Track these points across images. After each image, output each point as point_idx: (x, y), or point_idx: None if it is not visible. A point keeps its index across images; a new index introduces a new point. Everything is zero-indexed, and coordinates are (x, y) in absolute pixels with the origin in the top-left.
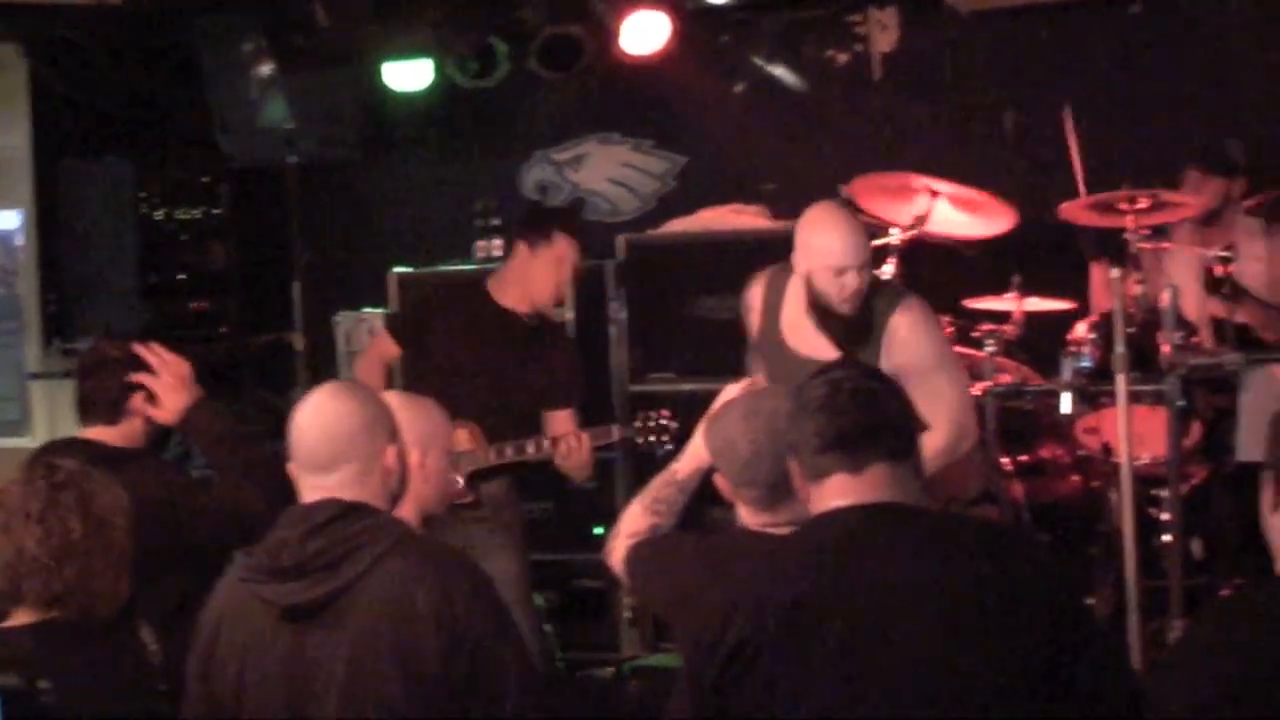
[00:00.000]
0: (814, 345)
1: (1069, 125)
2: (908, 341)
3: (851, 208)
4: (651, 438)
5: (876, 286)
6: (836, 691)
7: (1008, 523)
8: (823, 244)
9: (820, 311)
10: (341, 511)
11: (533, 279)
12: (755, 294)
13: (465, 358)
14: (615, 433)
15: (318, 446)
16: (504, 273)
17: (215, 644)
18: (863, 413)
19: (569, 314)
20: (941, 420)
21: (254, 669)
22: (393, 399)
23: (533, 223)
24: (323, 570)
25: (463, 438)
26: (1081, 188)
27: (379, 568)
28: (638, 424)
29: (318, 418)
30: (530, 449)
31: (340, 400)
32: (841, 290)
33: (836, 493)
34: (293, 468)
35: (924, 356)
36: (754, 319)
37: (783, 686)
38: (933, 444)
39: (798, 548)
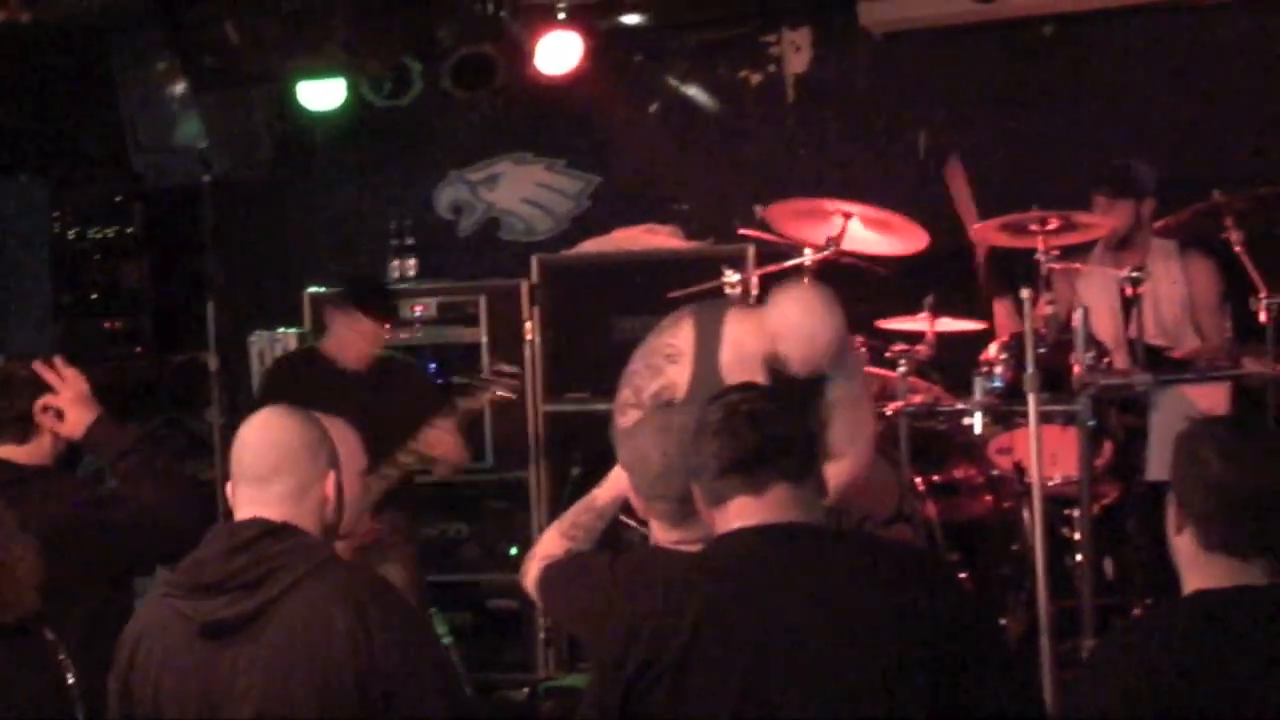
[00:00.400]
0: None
1: (955, 172)
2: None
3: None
4: (499, 391)
5: None
6: (738, 714)
7: (911, 544)
8: (795, 347)
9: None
10: (267, 531)
11: (346, 345)
12: (683, 339)
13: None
14: (459, 402)
15: (260, 457)
16: (329, 337)
17: (135, 659)
18: (760, 434)
19: (483, 336)
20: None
21: (171, 684)
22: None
23: (341, 298)
24: (243, 588)
25: None
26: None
27: (299, 589)
28: (478, 383)
29: (263, 430)
30: (401, 457)
31: (288, 417)
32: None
33: (738, 515)
34: (230, 486)
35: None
36: (682, 368)
37: (685, 709)
38: (838, 475)
39: (700, 570)
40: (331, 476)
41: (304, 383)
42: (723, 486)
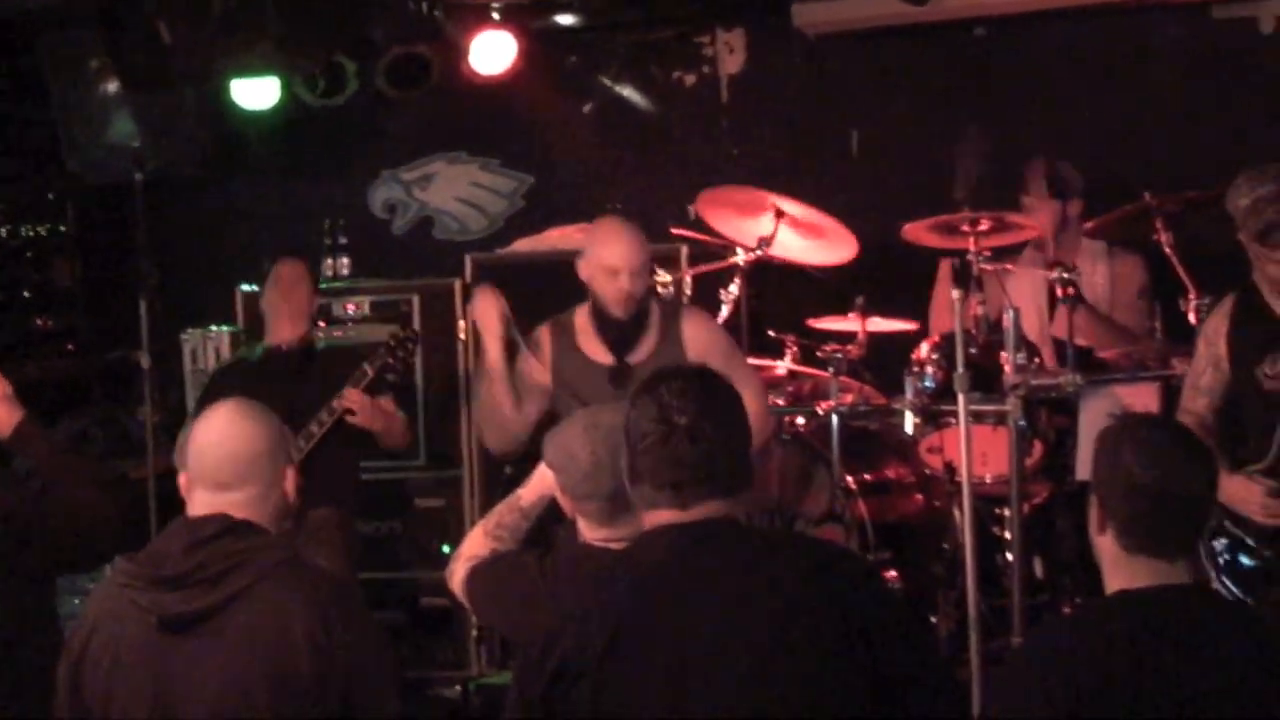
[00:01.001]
0: (600, 351)
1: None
2: (703, 341)
3: (630, 222)
4: (401, 354)
5: (659, 301)
6: (659, 711)
7: (834, 542)
8: (601, 249)
9: (598, 315)
10: (228, 528)
11: (271, 305)
12: (542, 333)
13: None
14: (367, 367)
15: (222, 464)
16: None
17: (87, 649)
18: (696, 458)
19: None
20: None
21: (124, 676)
22: None
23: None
24: (203, 584)
25: None
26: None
27: (258, 587)
28: (385, 349)
29: (225, 438)
30: (324, 416)
31: (249, 422)
32: (617, 292)
33: (666, 515)
34: (185, 479)
35: (720, 354)
36: (544, 351)
37: (605, 708)
38: None
39: (622, 568)
40: (290, 473)
41: (244, 368)
42: (656, 497)
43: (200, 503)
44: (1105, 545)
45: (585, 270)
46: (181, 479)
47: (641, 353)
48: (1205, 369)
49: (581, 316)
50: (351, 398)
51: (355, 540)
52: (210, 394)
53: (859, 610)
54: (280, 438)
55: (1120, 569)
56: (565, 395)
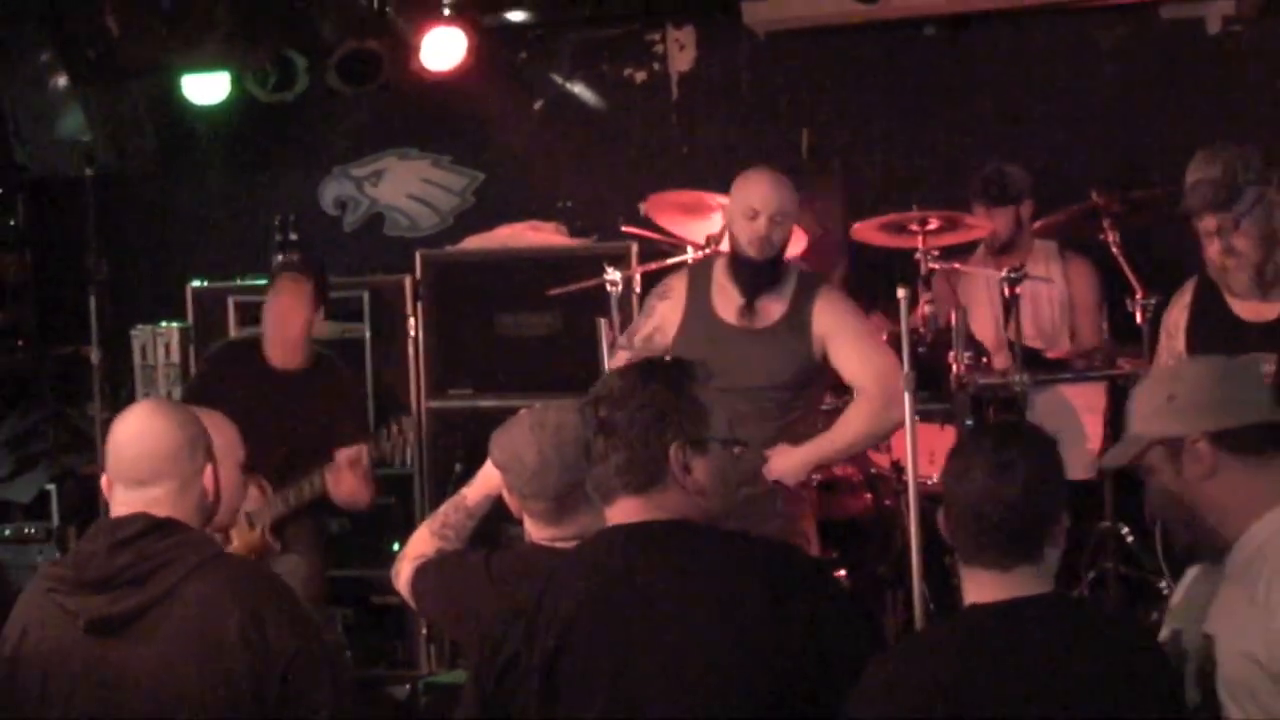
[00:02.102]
0: (734, 310)
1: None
2: (828, 323)
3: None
4: (393, 447)
5: (803, 271)
6: (607, 710)
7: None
8: (744, 191)
9: (734, 261)
10: (151, 526)
11: (267, 327)
12: (676, 281)
13: (248, 422)
14: (362, 453)
15: (139, 461)
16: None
17: (19, 653)
18: (601, 451)
19: (367, 331)
20: (871, 385)
21: (58, 680)
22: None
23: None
24: (128, 585)
25: (254, 496)
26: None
27: (186, 585)
28: (383, 438)
29: (140, 434)
30: (307, 490)
31: (163, 417)
32: (753, 233)
33: (622, 514)
34: (106, 479)
35: (847, 335)
36: (672, 303)
37: (554, 707)
38: (865, 407)
39: (576, 562)
40: (209, 470)
41: (243, 378)
42: (610, 490)
43: (120, 501)
44: (958, 557)
45: (727, 215)
46: (104, 480)
47: (773, 314)
48: (1167, 362)
49: (720, 269)
50: (346, 488)
51: (326, 541)
52: (208, 382)
53: (811, 611)
54: (198, 433)
55: (967, 580)
56: (694, 353)
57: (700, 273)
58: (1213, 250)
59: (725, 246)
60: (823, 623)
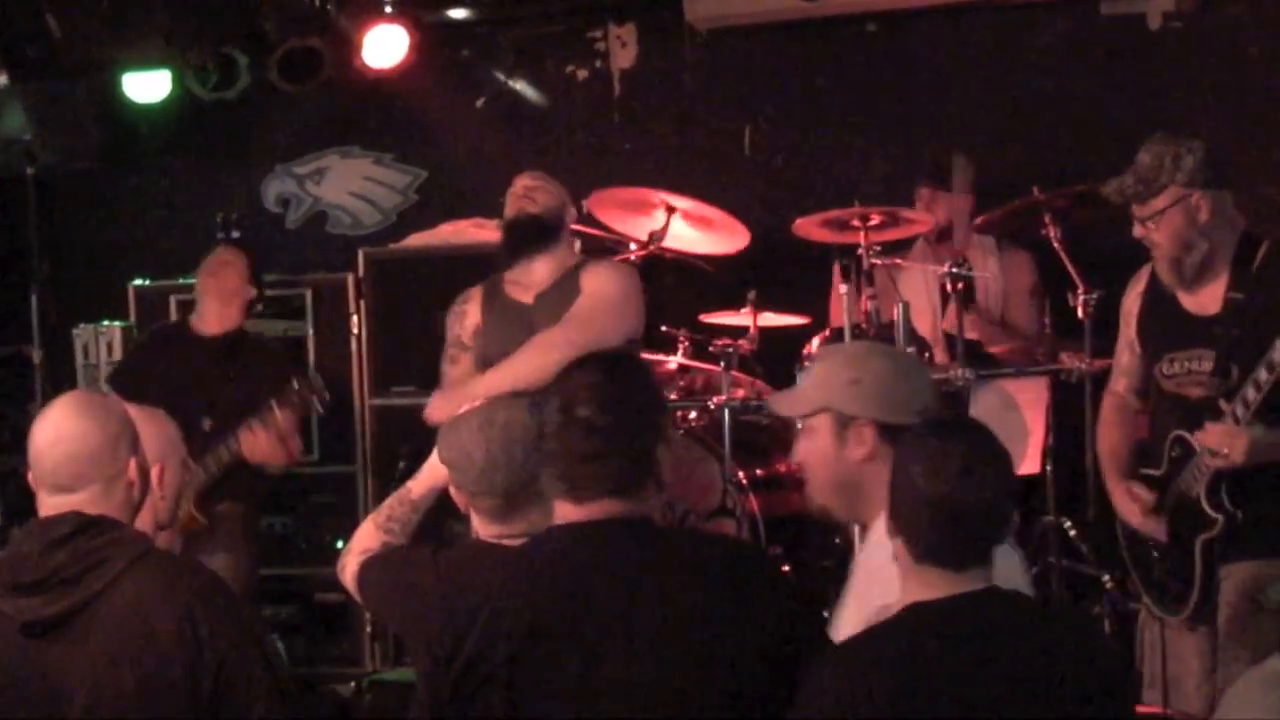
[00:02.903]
0: (529, 289)
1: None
2: (595, 278)
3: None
4: (310, 397)
5: (590, 258)
6: (571, 706)
7: (738, 539)
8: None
9: (504, 227)
10: (83, 525)
11: (200, 292)
12: (471, 296)
13: (174, 394)
14: (274, 405)
15: (59, 467)
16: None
17: None
18: (589, 453)
19: (309, 329)
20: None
21: None
22: (131, 412)
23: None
24: (62, 585)
25: None
26: None
27: (121, 583)
28: (290, 392)
29: (60, 439)
30: (225, 454)
31: (83, 418)
32: (513, 197)
33: (565, 513)
34: (32, 479)
35: (602, 287)
36: (472, 306)
37: (517, 706)
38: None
39: (532, 561)
40: (133, 463)
41: (168, 352)
42: (555, 486)
43: (47, 504)
44: (899, 552)
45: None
46: (31, 479)
47: (540, 273)
48: (1123, 349)
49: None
50: (259, 450)
51: (256, 535)
52: (138, 360)
53: (767, 609)
54: (120, 430)
55: (911, 578)
56: (495, 341)
57: (492, 280)
58: (1138, 233)
59: (669, 244)
60: (786, 621)
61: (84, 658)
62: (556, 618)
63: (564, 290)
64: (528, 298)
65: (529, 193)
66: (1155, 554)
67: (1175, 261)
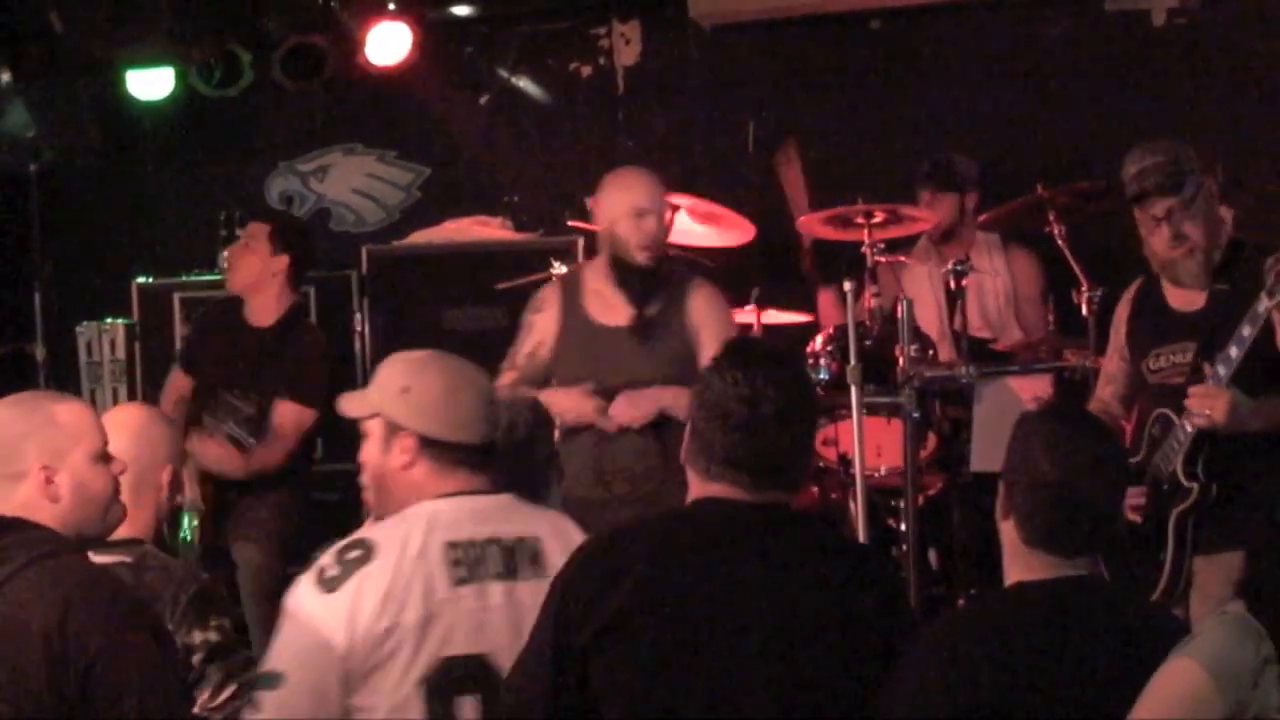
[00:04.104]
0: (614, 308)
1: (789, 158)
2: (701, 312)
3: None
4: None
5: (673, 263)
6: (700, 679)
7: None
8: (624, 191)
9: (619, 266)
10: None
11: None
12: (548, 293)
13: (222, 377)
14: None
15: None
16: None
17: None
18: (776, 450)
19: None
20: None
21: None
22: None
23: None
24: None
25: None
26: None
27: (10, 584)
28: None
29: None
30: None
31: (1, 409)
32: (641, 235)
33: (727, 492)
34: None
35: (722, 323)
36: (549, 315)
37: (651, 668)
38: None
39: (680, 529)
40: (37, 467)
41: (222, 335)
42: (726, 473)
43: None
44: (1007, 532)
45: (605, 218)
46: None
47: (653, 308)
48: (1112, 356)
49: (593, 275)
50: (209, 458)
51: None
52: (190, 344)
53: (888, 620)
54: (28, 429)
55: (1019, 559)
56: (572, 361)
57: (571, 280)
58: (1160, 238)
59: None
60: (895, 605)
61: None
62: (704, 589)
63: (669, 318)
64: (619, 319)
65: (661, 223)
66: (1125, 540)
67: (1207, 253)
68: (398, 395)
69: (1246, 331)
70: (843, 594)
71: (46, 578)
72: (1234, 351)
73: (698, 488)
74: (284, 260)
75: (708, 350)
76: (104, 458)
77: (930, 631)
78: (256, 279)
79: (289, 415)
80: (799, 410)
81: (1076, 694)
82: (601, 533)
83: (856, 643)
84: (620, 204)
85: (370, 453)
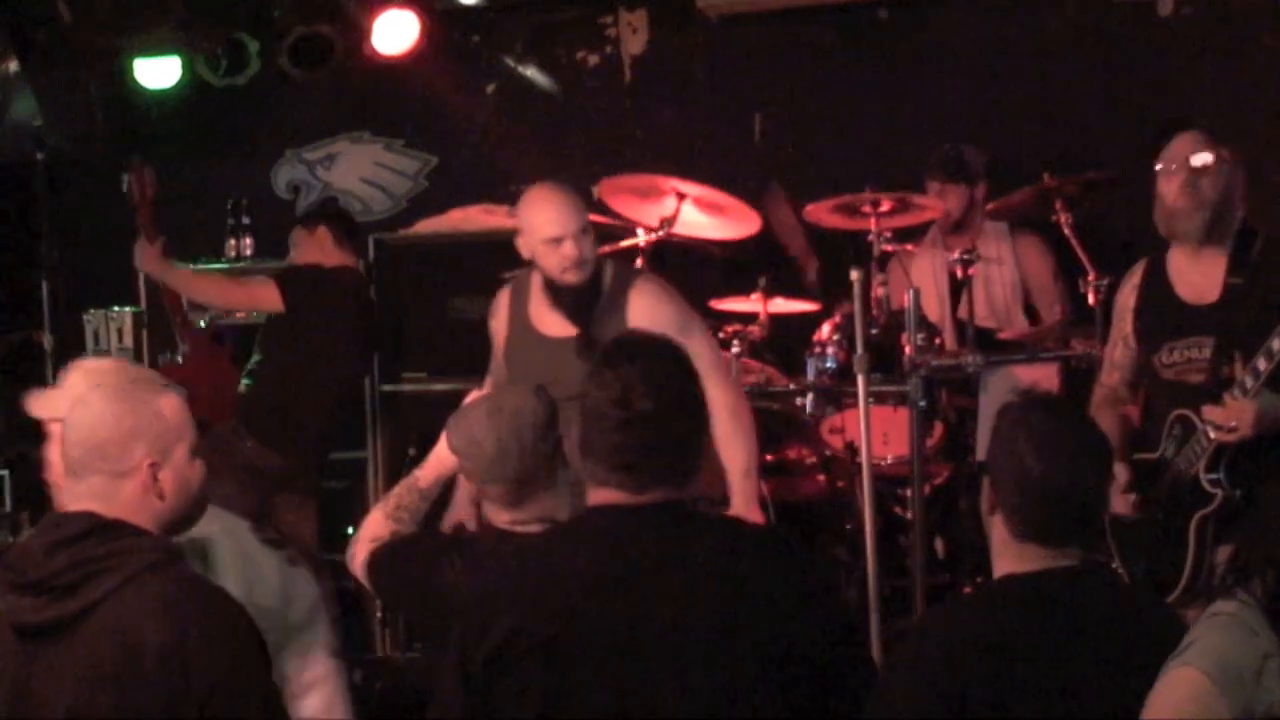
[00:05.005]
0: (555, 325)
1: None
2: (650, 311)
3: (560, 183)
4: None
5: (616, 267)
6: (609, 696)
7: (770, 526)
8: (537, 219)
9: (550, 288)
10: (93, 528)
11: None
12: (501, 298)
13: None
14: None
15: (71, 450)
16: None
17: None
18: (653, 445)
19: None
20: (712, 378)
21: None
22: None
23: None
24: (61, 591)
25: None
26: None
27: (119, 596)
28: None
29: (77, 420)
30: None
31: (104, 404)
32: (562, 260)
33: (613, 497)
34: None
35: (669, 324)
36: (500, 321)
37: (554, 690)
38: (721, 400)
39: (568, 544)
40: (147, 463)
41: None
42: (609, 477)
43: (68, 495)
44: (995, 526)
45: (525, 247)
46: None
47: (597, 323)
48: (1117, 343)
49: (535, 288)
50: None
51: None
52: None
53: (804, 601)
54: (137, 425)
55: (1008, 552)
56: (519, 372)
57: (520, 287)
58: (1173, 187)
59: (677, 229)
60: (823, 615)
61: (69, 670)
62: (595, 600)
63: (611, 328)
64: (563, 331)
65: (583, 243)
66: (1144, 538)
67: (1215, 210)
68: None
69: (1277, 345)
70: (745, 586)
71: (160, 591)
72: (1262, 364)
73: (592, 495)
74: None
75: None
76: (198, 451)
77: (920, 625)
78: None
79: None
80: (676, 403)
81: (1068, 685)
82: (497, 553)
83: (766, 635)
84: (535, 233)
85: (55, 453)
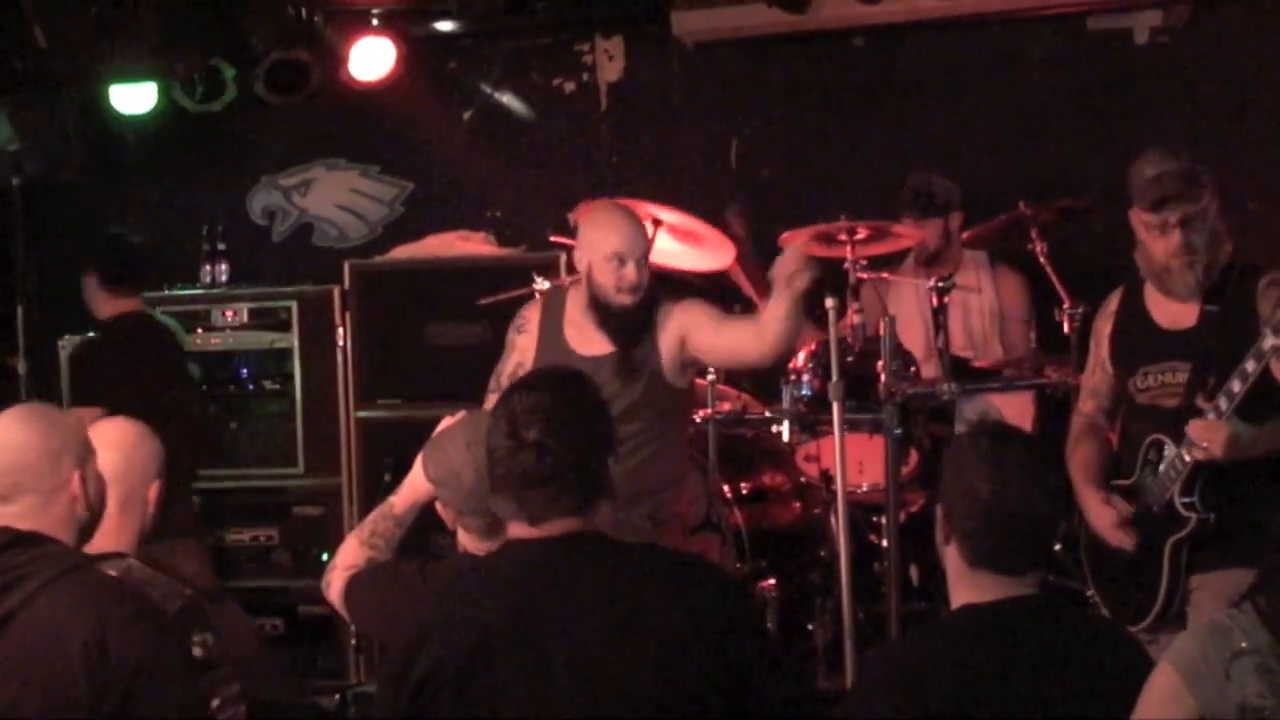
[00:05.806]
0: (594, 344)
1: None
2: (674, 321)
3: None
4: None
5: (664, 293)
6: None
7: (694, 554)
8: (602, 234)
9: (599, 307)
10: (11, 541)
11: None
12: (530, 313)
13: None
14: None
15: (2, 477)
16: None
17: None
18: (542, 475)
19: (295, 341)
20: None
21: None
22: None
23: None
24: None
25: None
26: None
27: (36, 600)
28: None
29: (4, 444)
30: None
31: (24, 427)
32: (620, 280)
33: (518, 531)
34: None
35: (704, 310)
36: (529, 336)
37: (468, 715)
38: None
39: (485, 575)
40: (76, 476)
41: None
42: (506, 508)
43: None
44: (950, 557)
45: (583, 257)
46: None
47: (638, 349)
48: (1094, 369)
49: (574, 305)
50: None
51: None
52: None
53: (715, 615)
54: (65, 442)
55: (964, 581)
56: None
57: (553, 301)
58: (1167, 246)
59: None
60: (738, 637)
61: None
62: (504, 631)
63: (647, 350)
64: (598, 349)
65: (643, 268)
66: (1118, 564)
67: (1207, 266)
68: None
69: (1250, 367)
70: (649, 618)
71: (82, 590)
72: (1236, 386)
73: (507, 529)
74: None
75: (709, 332)
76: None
77: (876, 658)
78: None
79: None
80: (564, 432)
81: (1029, 716)
82: (422, 589)
83: (674, 666)
84: (598, 248)
85: None
